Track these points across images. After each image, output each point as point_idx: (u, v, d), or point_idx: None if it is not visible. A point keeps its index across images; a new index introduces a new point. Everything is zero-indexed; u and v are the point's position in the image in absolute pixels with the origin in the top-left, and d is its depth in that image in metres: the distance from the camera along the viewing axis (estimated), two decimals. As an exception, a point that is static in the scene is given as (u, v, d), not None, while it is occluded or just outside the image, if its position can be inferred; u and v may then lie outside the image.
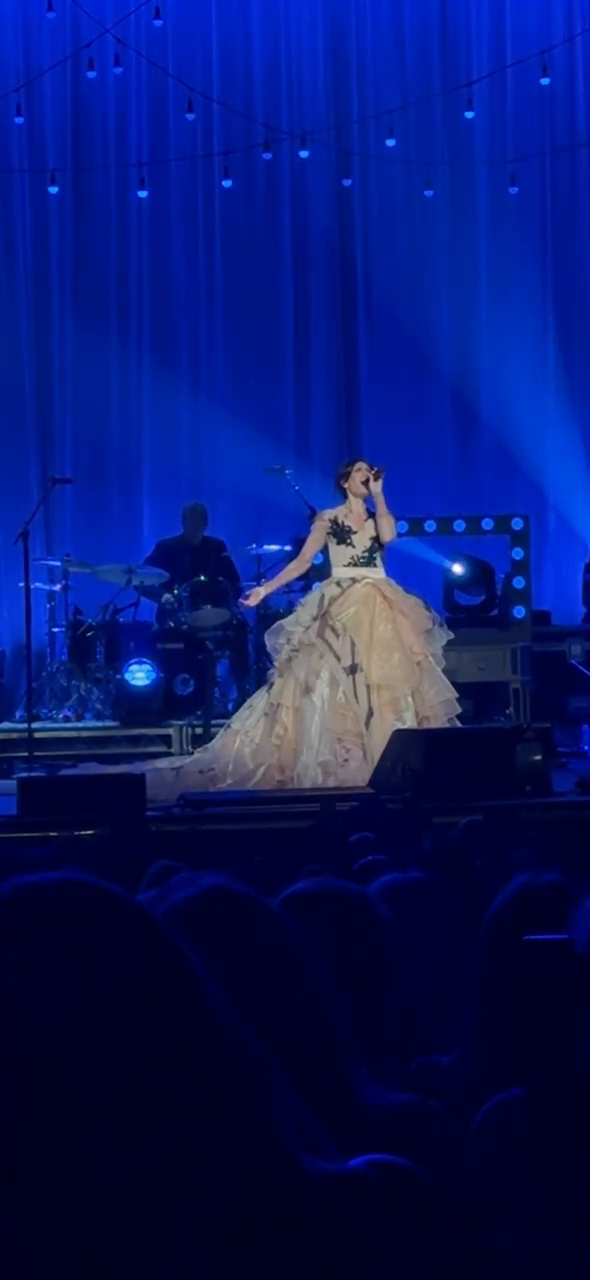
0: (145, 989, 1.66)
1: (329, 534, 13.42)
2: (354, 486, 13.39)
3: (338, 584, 13.32)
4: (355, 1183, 1.74)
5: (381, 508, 13.33)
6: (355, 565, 13.35)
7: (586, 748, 15.49)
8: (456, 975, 3.82)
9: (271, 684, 13.39)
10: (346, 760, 12.79)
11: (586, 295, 18.97)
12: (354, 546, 13.35)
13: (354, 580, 13.28)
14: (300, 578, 14.57)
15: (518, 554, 16.62)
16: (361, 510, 13.40)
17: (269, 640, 13.65)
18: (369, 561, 13.35)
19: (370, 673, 12.92)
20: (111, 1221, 1.59)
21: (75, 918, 1.67)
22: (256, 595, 14.22)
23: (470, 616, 16.79)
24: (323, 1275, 1.67)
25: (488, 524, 16.87)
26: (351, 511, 13.40)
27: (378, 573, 13.38)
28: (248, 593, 14.47)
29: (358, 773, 12.61)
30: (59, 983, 1.63)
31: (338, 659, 12.99)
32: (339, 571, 13.38)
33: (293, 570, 14.15)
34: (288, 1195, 1.67)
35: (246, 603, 14.59)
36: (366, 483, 13.32)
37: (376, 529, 13.33)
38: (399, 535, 14.07)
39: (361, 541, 13.35)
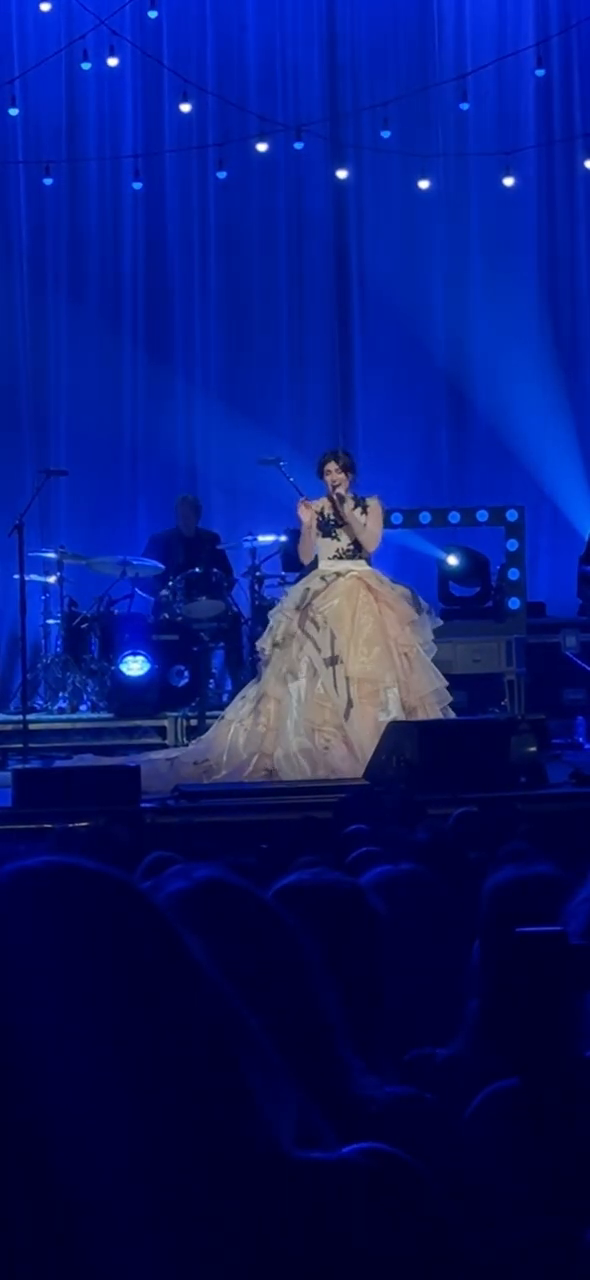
0: (143, 966, 1.67)
1: (315, 526, 13.41)
2: (328, 486, 13.36)
3: (322, 578, 13.31)
4: (341, 1170, 1.75)
5: (357, 527, 13.25)
6: (340, 558, 13.35)
7: (581, 739, 15.50)
8: (450, 967, 3.82)
9: (260, 674, 13.41)
10: (327, 748, 12.80)
11: (581, 287, 18.97)
12: (339, 540, 13.35)
13: (339, 574, 13.26)
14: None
15: (512, 545, 16.63)
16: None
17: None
18: (355, 554, 13.35)
19: (349, 666, 12.92)
20: (99, 1188, 1.61)
21: (74, 899, 1.69)
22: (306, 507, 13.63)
23: (465, 608, 16.80)
24: (306, 1261, 1.68)
25: (482, 515, 16.87)
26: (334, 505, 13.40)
27: (362, 565, 13.38)
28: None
29: (342, 762, 12.62)
30: (58, 963, 1.64)
31: (318, 650, 12.99)
32: (325, 565, 13.38)
33: (304, 556, 13.85)
34: (266, 1178, 1.68)
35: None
36: (335, 488, 13.29)
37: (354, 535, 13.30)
38: (394, 527, 14.06)
39: (346, 534, 13.34)
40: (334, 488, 13.30)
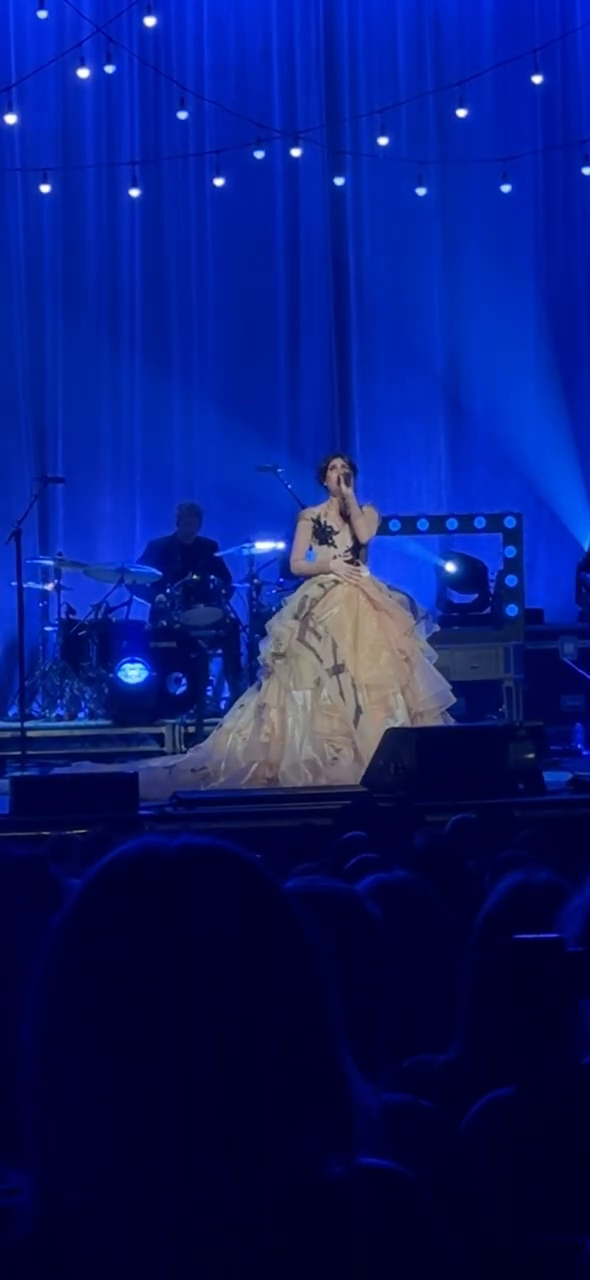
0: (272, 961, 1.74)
1: (313, 534, 13.42)
2: (331, 485, 13.39)
3: (320, 585, 13.31)
4: (338, 1190, 1.75)
5: (353, 510, 13.30)
6: None
7: (579, 746, 15.49)
8: (446, 974, 3.82)
9: (260, 683, 13.38)
10: (336, 759, 12.77)
11: (578, 293, 18.97)
12: (336, 546, 13.33)
13: (336, 581, 13.26)
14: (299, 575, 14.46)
15: (510, 552, 16.63)
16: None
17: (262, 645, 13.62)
18: (352, 560, 13.34)
19: (358, 673, 12.90)
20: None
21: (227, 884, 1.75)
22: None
23: (463, 615, 16.80)
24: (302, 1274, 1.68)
25: (480, 522, 16.87)
26: (334, 512, 13.39)
27: (361, 573, 13.37)
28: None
29: (349, 771, 12.60)
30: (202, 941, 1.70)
31: (320, 660, 12.97)
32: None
33: (298, 571, 13.93)
34: (293, 1195, 1.68)
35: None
36: (340, 482, 13.33)
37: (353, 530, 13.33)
38: (392, 534, 14.06)
39: (343, 541, 13.33)
40: (338, 480, 13.31)
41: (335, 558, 13.32)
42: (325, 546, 13.35)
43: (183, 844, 1.75)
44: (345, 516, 13.36)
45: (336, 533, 13.33)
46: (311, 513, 13.45)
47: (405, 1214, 1.80)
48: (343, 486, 13.29)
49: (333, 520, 13.36)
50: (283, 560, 15.95)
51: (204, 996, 1.66)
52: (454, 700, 13.44)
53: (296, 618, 13.19)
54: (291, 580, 14.99)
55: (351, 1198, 1.73)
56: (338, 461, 13.51)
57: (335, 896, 3.26)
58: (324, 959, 1.77)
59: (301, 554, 13.59)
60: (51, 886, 3.51)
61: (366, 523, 13.36)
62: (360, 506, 13.42)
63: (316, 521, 13.36)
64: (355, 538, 13.32)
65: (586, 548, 17.19)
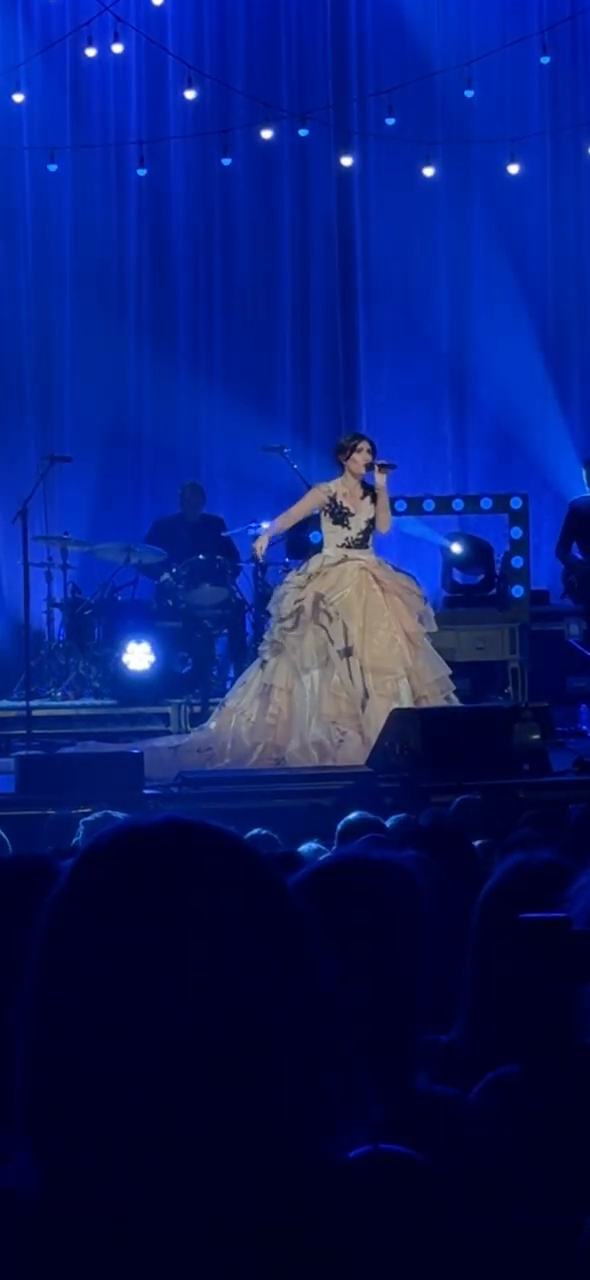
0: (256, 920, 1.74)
1: (325, 511, 13.39)
2: (354, 466, 13.33)
3: (324, 557, 13.32)
4: (354, 1174, 1.75)
5: (383, 501, 13.29)
6: (348, 547, 13.32)
7: (585, 727, 15.49)
8: (450, 954, 3.82)
9: (264, 661, 13.35)
10: (342, 741, 12.77)
11: (585, 275, 18.94)
12: (349, 529, 13.31)
13: (346, 558, 13.24)
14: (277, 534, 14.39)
15: (516, 533, 16.61)
16: (359, 489, 13.36)
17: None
18: (362, 544, 13.34)
19: (363, 655, 12.90)
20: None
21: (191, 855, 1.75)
22: (261, 545, 13.97)
23: (469, 596, 16.78)
24: (314, 1264, 1.68)
25: (486, 503, 16.86)
26: (349, 491, 13.35)
27: (369, 555, 13.36)
28: (253, 546, 14.22)
29: (357, 754, 12.59)
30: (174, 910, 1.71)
31: (331, 642, 12.96)
32: (331, 551, 13.36)
33: (280, 525, 14.03)
34: (290, 1177, 1.69)
35: (256, 553, 14.26)
36: (370, 467, 13.28)
37: (374, 515, 13.29)
38: (398, 514, 14.06)
39: (357, 524, 13.32)
40: (366, 465, 13.28)
41: (346, 539, 13.30)
42: (338, 527, 13.32)
43: (165, 820, 1.76)
44: (368, 490, 13.33)
45: (352, 515, 13.31)
46: (327, 489, 13.37)
47: (418, 1200, 1.80)
48: (378, 476, 13.24)
49: (350, 503, 13.32)
50: (288, 540, 15.96)
51: (191, 966, 1.68)
52: (454, 686, 13.44)
53: (306, 574, 13.21)
54: (297, 560, 14.99)
55: (363, 1182, 1.74)
56: (365, 445, 13.42)
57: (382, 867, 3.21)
58: (314, 934, 1.77)
59: (295, 518, 13.61)
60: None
61: (389, 516, 13.40)
62: (372, 491, 13.38)
63: (333, 500, 13.32)
64: (370, 520, 13.32)
65: (563, 526, 17.06)
